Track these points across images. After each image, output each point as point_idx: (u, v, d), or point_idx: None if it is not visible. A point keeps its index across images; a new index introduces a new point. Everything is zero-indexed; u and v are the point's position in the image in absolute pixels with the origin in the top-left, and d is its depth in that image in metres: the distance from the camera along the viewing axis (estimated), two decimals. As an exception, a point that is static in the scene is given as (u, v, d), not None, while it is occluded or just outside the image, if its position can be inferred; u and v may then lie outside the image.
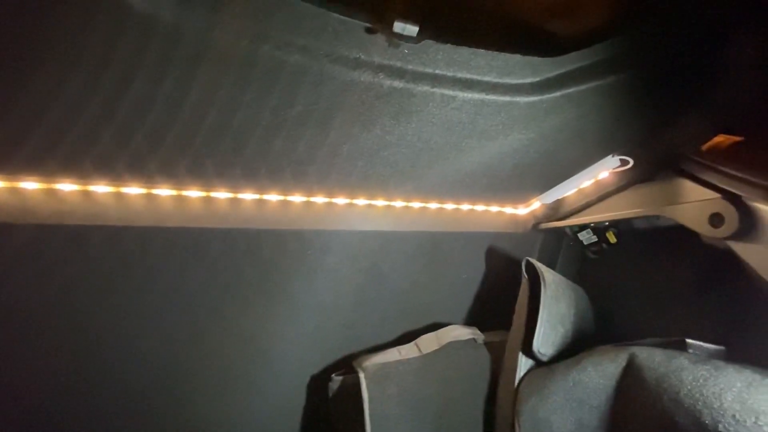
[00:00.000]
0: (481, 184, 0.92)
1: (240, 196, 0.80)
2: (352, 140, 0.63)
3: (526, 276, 0.99)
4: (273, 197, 0.82)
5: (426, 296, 1.06)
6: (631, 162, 0.87)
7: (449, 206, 1.01)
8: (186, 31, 0.43)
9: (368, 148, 0.66)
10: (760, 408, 0.57)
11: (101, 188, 0.69)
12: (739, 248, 0.74)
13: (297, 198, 0.84)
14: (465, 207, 1.03)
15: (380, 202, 0.93)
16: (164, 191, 0.74)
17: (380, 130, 0.62)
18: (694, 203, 0.79)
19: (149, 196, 0.74)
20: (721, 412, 0.60)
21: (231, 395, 0.88)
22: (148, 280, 0.74)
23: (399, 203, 0.94)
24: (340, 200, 0.89)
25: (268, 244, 0.84)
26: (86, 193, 0.69)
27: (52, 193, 0.66)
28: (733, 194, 0.73)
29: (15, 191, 0.64)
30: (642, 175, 0.89)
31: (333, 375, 0.95)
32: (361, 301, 0.98)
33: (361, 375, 0.89)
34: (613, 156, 0.87)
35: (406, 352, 0.97)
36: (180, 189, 0.75)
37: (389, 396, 0.90)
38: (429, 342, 1.00)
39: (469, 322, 1.13)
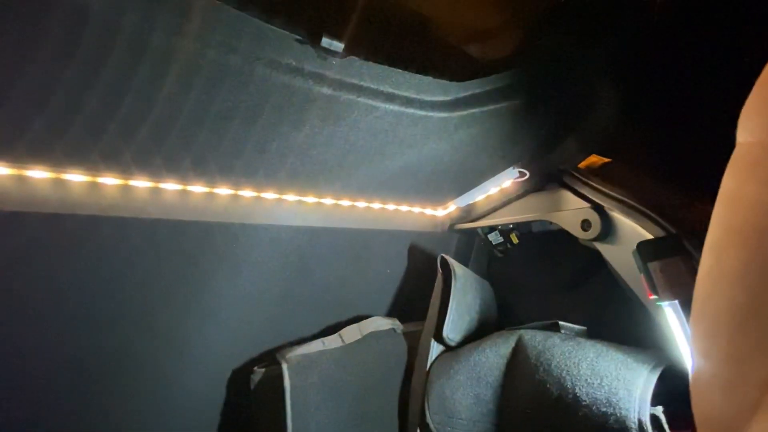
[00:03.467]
0: (404, 187, 1.01)
1: (162, 185, 0.78)
2: (281, 138, 0.67)
3: (441, 271, 1.10)
4: (198, 188, 0.82)
5: (351, 290, 1.12)
6: (528, 174, 1.03)
7: (376, 205, 1.09)
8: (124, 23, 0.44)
9: (298, 146, 0.71)
10: (603, 372, 0.73)
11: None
12: (602, 248, 0.92)
13: (224, 190, 0.85)
14: (390, 207, 1.12)
15: (310, 199, 0.97)
16: (77, 177, 0.70)
17: (309, 130, 0.67)
18: (571, 210, 0.96)
19: (58, 181, 0.69)
20: (578, 377, 0.75)
21: (147, 391, 0.85)
22: (56, 267, 0.70)
23: (329, 200, 0.99)
24: (270, 195, 0.91)
25: (191, 236, 0.83)
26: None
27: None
28: (598, 204, 0.91)
29: None
30: (536, 185, 1.05)
31: (255, 368, 0.97)
32: (287, 296, 1.01)
33: (284, 365, 0.92)
34: (513, 168, 1.02)
35: (330, 342, 1.02)
36: (95, 176, 0.72)
37: (311, 384, 0.94)
38: (351, 333, 1.06)
39: (390, 314, 1.21)
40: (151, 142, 0.65)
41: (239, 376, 0.98)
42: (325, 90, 0.59)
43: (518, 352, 0.89)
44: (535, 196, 1.08)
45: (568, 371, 0.76)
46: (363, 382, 1.02)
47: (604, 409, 0.68)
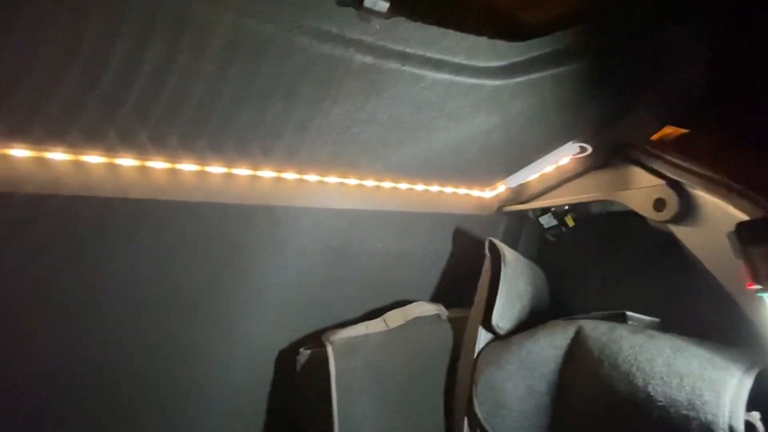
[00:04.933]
0: (449, 166, 0.95)
1: (208, 169, 0.78)
2: (322, 115, 0.64)
3: (489, 255, 1.04)
4: (242, 171, 0.81)
5: (394, 274, 1.09)
6: (590, 148, 0.93)
7: (419, 187, 1.04)
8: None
9: (338, 124, 0.67)
10: (684, 371, 0.65)
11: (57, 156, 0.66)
12: (678, 231, 0.81)
13: (267, 173, 0.84)
14: (434, 188, 1.06)
15: (352, 181, 0.94)
16: (127, 161, 0.72)
17: (351, 105, 0.63)
18: (641, 189, 0.85)
19: (111, 166, 0.71)
20: (652, 375, 0.67)
21: (197, 371, 0.88)
22: (108, 253, 0.72)
23: (370, 182, 0.96)
24: (312, 177, 0.89)
25: (236, 219, 0.83)
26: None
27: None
28: (675, 181, 0.80)
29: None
30: (598, 161, 0.95)
31: (301, 349, 0.97)
32: (330, 279, 1.00)
33: (329, 348, 0.92)
34: (573, 142, 0.92)
35: (373, 326, 1.00)
36: (143, 160, 0.73)
37: (355, 368, 0.93)
38: (395, 317, 1.03)
39: (434, 299, 1.17)
40: (196, 125, 0.64)
41: (285, 358, 0.99)
42: (368, 59, 0.55)
43: (577, 344, 0.81)
44: (598, 173, 0.97)
45: (638, 367, 0.68)
46: (407, 367, 1.00)
47: (685, 412, 0.60)
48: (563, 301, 1.16)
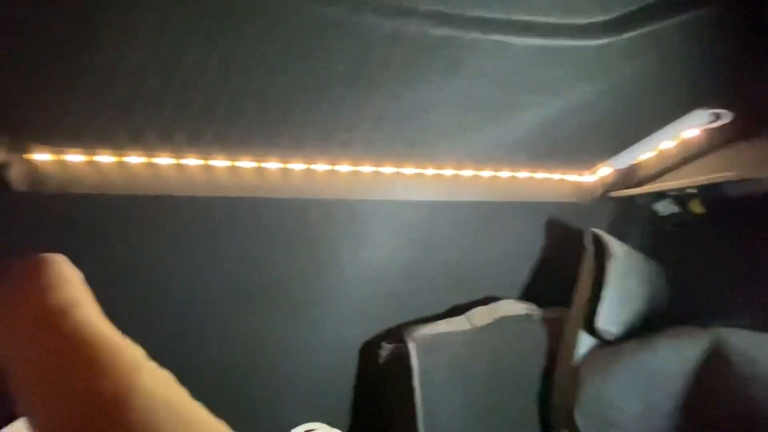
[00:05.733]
0: (541, 148, 0.84)
1: (289, 166, 0.81)
2: (397, 101, 0.60)
3: (592, 248, 0.91)
4: (320, 167, 0.83)
5: (478, 269, 1.02)
6: (727, 116, 0.74)
7: (504, 174, 0.94)
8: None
9: (414, 109, 0.63)
10: None
11: (163, 160, 0.74)
12: None
13: (344, 167, 0.84)
14: (522, 174, 0.96)
15: (429, 171, 0.89)
16: (219, 162, 0.77)
17: (426, 87, 0.58)
18: (810, 162, 0.65)
19: (205, 167, 0.77)
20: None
21: (283, 362, 0.92)
22: (199, 250, 0.78)
23: (449, 171, 0.90)
24: (387, 169, 0.87)
25: (316, 214, 0.85)
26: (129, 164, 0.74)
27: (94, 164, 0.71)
28: None
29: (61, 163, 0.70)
30: (741, 131, 0.75)
31: (383, 343, 0.96)
32: (411, 273, 0.97)
33: (411, 344, 0.89)
34: (702, 110, 0.75)
35: (457, 324, 0.95)
36: (233, 159, 0.78)
37: (439, 366, 0.89)
38: (481, 315, 0.96)
39: (525, 297, 1.07)
40: (278, 123, 0.65)
41: (367, 350, 0.99)
42: (444, 31, 0.49)
43: (715, 358, 0.66)
44: (740, 147, 0.77)
45: (811, 394, 0.52)
46: (495, 369, 0.92)
47: None
48: (688, 304, 0.96)
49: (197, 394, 0.87)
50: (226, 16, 0.45)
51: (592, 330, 0.87)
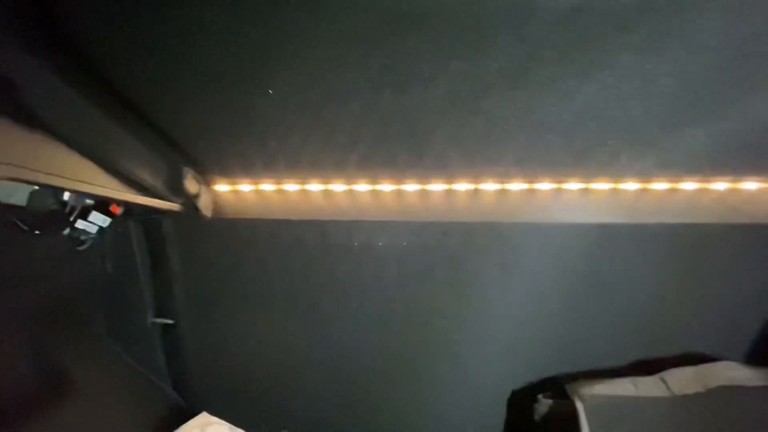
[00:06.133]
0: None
1: (429, 187, 0.76)
2: (568, 98, 0.48)
3: None
4: (462, 186, 0.75)
5: (677, 315, 0.77)
6: None
7: (719, 186, 0.69)
8: None
9: (591, 106, 0.49)
10: None
11: (314, 187, 0.78)
12: None
13: (489, 185, 0.74)
14: (749, 186, 0.68)
15: (601, 185, 0.71)
16: (362, 187, 0.77)
17: (611, 74, 0.44)
18: None
19: (350, 192, 0.78)
20: None
21: (425, 400, 0.86)
22: (345, 271, 0.79)
23: (631, 185, 0.70)
24: (544, 185, 0.73)
25: (458, 238, 0.77)
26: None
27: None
28: None
29: (236, 192, 0.80)
30: None
31: (540, 396, 0.80)
32: (574, 311, 0.79)
33: (579, 404, 0.71)
34: None
35: (646, 386, 0.72)
36: (375, 183, 0.77)
37: (619, 439, 0.68)
38: (684, 379, 0.72)
39: (752, 359, 0.75)
40: (423, 142, 0.61)
41: (518, 401, 0.84)
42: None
43: None
44: None
45: None
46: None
47: None
48: None
49: (336, 420, 0.85)
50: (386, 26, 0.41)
51: None
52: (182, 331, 0.88)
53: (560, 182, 0.71)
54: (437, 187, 0.76)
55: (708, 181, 0.68)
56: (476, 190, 0.75)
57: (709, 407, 0.68)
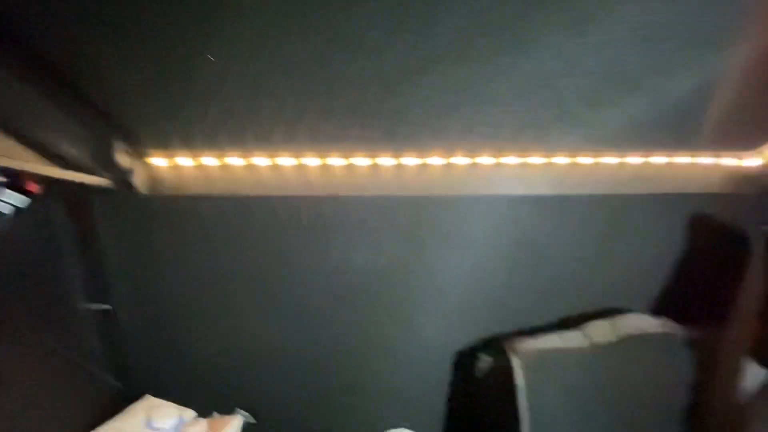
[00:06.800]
0: (689, 124, 0.67)
1: (378, 161, 0.77)
2: (504, 74, 0.51)
3: (761, 252, 0.70)
4: (410, 161, 0.77)
5: (597, 275, 0.87)
6: None
7: (635, 160, 0.78)
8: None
9: (525, 83, 0.53)
10: None
11: (262, 161, 0.76)
12: None
13: (435, 160, 0.77)
14: (659, 160, 0.78)
15: (536, 159, 0.77)
16: (310, 161, 0.76)
17: (543, 54, 0.48)
18: None
19: (298, 166, 0.77)
20: None
21: (374, 360, 0.90)
22: (301, 248, 0.79)
23: (561, 159, 0.77)
24: (485, 159, 0.77)
25: (407, 211, 0.80)
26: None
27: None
28: None
29: (176, 168, 0.75)
30: None
31: (481, 354, 0.87)
32: (513, 277, 0.87)
33: (515, 360, 0.79)
34: None
35: (571, 339, 0.82)
36: (324, 157, 0.76)
37: (548, 387, 0.78)
38: (602, 331, 0.82)
39: (658, 311, 0.88)
40: (372, 115, 0.62)
41: (462, 359, 0.91)
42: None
43: None
44: None
45: None
46: (620, 399, 0.78)
47: None
48: None
49: (290, 391, 0.88)
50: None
51: (764, 359, 0.67)
52: (120, 315, 0.83)
53: (499, 156, 0.76)
54: (386, 161, 0.78)
55: (625, 156, 0.76)
56: (424, 165, 0.78)
57: (620, 352, 0.79)
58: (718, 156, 0.79)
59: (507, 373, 0.79)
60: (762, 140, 0.77)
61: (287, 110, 0.60)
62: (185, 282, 0.82)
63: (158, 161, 0.75)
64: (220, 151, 0.73)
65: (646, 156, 0.76)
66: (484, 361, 0.86)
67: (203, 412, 0.80)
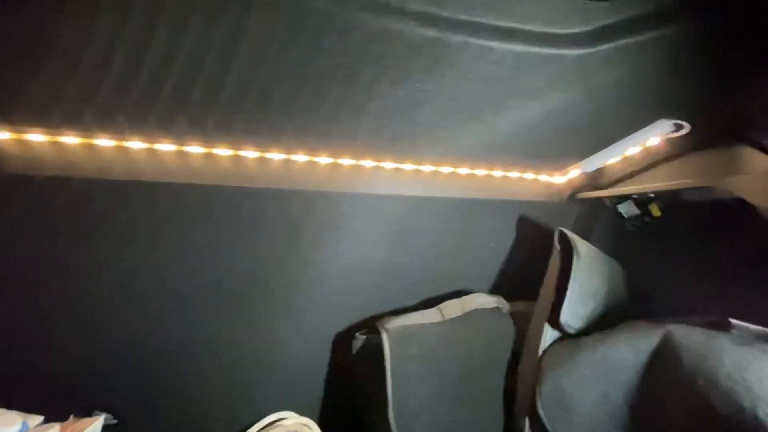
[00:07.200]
0: (517, 149, 0.87)
1: (268, 155, 0.80)
2: (380, 98, 0.60)
3: (558, 247, 0.95)
4: (300, 158, 0.82)
5: (452, 263, 1.05)
6: (688, 127, 0.79)
7: (481, 172, 0.97)
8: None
9: (397, 106, 0.63)
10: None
11: (135, 144, 0.71)
12: (805, 225, 0.67)
13: (324, 159, 0.83)
14: (498, 173, 0.99)
15: (408, 166, 0.90)
16: (195, 149, 0.75)
17: (411, 86, 0.59)
18: (756, 174, 0.71)
19: (180, 153, 0.75)
20: (762, 397, 0.56)
21: (259, 350, 0.92)
22: (184, 236, 0.76)
23: (428, 168, 0.91)
24: (367, 163, 0.87)
25: (296, 205, 0.84)
26: (93, 147, 0.70)
27: (60, 146, 0.67)
28: (807, 165, 0.65)
29: (23, 143, 0.66)
30: (698, 142, 0.81)
31: (357, 334, 0.98)
32: (388, 266, 0.98)
33: (384, 335, 0.91)
34: (666, 120, 0.79)
35: (429, 316, 0.98)
36: (209, 147, 0.76)
37: (411, 356, 0.91)
38: (452, 308, 0.99)
39: (494, 291, 1.11)
40: (258, 111, 0.64)
41: (341, 341, 1.01)
42: (430, 32, 0.50)
43: (665, 352, 0.72)
44: (697, 155, 0.83)
45: (745, 386, 0.58)
46: (464, 360, 0.96)
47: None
48: (645, 301, 1.03)
49: (172, 380, 0.87)
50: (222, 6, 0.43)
51: (555, 323, 0.92)
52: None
53: (379, 161, 0.87)
54: (276, 156, 0.81)
55: (474, 168, 0.95)
56: (312, 162, 0.84)
57: (465, 323, 0.98)
58: (537, 173, 1.04)
59: (377, 347, 0.92)
60: (567, 164, 1.04)
61: (167, 93, 0.59)
62: (32, 272, 0.72)
63: (1, 134, 0.64)
64: (84, 131, 0.67)
65: (489, 170, 0.97)
66: (359, 340, 0.98)
67: (58, 417, 0.73)
